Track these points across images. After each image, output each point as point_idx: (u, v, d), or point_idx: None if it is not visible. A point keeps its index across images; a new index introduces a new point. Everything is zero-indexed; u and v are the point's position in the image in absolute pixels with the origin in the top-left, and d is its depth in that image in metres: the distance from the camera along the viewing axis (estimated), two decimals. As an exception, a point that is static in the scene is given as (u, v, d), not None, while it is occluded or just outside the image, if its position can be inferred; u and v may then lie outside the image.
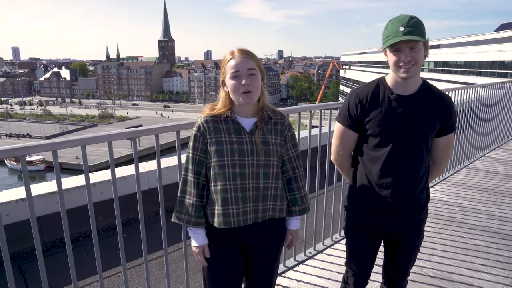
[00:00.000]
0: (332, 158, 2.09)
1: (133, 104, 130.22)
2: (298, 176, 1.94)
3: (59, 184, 1.91)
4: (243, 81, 1.70)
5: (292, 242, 2.04)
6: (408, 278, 2.99)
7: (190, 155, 1.80)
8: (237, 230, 1.81)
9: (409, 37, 1.64)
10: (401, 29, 1.65)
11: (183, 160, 1.92)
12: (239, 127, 1.77)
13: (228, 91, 1.77)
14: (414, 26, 1.66)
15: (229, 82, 1.74)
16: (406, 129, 1.79)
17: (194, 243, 1.88)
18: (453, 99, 5.22)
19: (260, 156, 1.76)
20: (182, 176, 1.84)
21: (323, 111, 3.39)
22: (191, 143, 1.81)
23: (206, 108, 1.84)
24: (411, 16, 1.70)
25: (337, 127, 1.99)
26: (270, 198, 1.83)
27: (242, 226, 1.79)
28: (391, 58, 1.74)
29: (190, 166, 1.81)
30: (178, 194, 1.85)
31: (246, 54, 1.75)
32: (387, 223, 1.92)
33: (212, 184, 1.78)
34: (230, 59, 1.75)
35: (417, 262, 3.28)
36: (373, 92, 1.86)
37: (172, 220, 1.87)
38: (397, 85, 1.82)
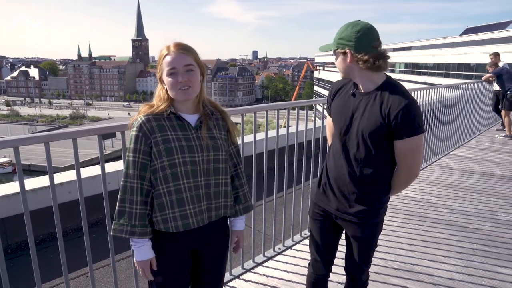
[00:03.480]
0: None
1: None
2: (240, 173, 1.91)
3: (21, 183, 1.87)
4: (180, 78, 1.62)
5: (239, 245, 1.98)
6: (373, 271, 3.13)
7: (131, 158, 1.64)
8: (188, 234, 1.72)
9: (322, 46, 1.94)
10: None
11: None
12: (184, 123, 1.69)
13: (165, 88, 1.69)
14: (335, 35, 1.86)
15: (166, 79, 1.65)
16: (351, 124, 1.89)
17: (139, 257, 1.70)
18: (418, 100, 5.45)
19: (210, 152, 1.71)
20: (122, 183, 1.65)
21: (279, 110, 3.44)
22: (131, 145, 1.64)
23: (144, 107, 1.71)
24: (343, 25, 1.84)
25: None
26: (221, 194, 1.79)
27: (191, 229, 1.71)
28: None
29: (131, 171, 1.64)
30: (118, 204, 1.65)
31: (182, 50, 1.65)
32: (330, 204, 2.06)
33: (162, 186, 1.66)
34: (166, 55, 1.65)
35: (382, 256, 3.43)
36: (344, 84, 2.00)
37: (112, 233, 1.67)
38: (361, 82, 1.88)
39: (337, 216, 2.05)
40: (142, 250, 1.69)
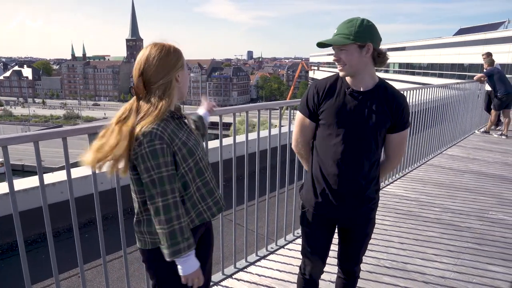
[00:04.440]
0: (292, 146, 2.18)
1: (94, 104, 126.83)
2: None
3: (10, 183, 1.85)
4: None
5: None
6: (366, 270, 3.15)
7: (164, 173, 1.53)
8: (200, 228, 1.76)
9: (328, 40, 1.84)
10: (335, 31, 1.83)
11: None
12: (181, 122, 1.70)
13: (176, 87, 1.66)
14: (341, 29, 1.82)
15: (185, 75, 1.69)
16: (356, 123, 1.89)
17: (192, 268, 1.62)
18: (411, 99, 5.49)
19: (200, 143, 1.78)
20: (161, 203, 1.53)
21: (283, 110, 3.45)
22: (160, 160, 1.51)
23: (148, 115, 1.55)
24: (349, 20, 1.82)
25: (297, 116, 2.09)
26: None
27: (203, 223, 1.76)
28: None
29: (169, 186, 1.54)
30: (165, 226, 1.53)
31: None
32: (336, 210, 2.01)
33: (192, 186, 1.67)
34: (181, 54, 1.67)
35: (374, 254, 3.44)
36: (331, 84, 1.96)
37: (169, 259, 1.57)
38: (353, 81, 1.91)
39: (344, 219, 2.05)
40: (191, 259, 1.63)
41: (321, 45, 1.89)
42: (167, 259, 1.58)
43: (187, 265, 1.61)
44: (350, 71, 1.86)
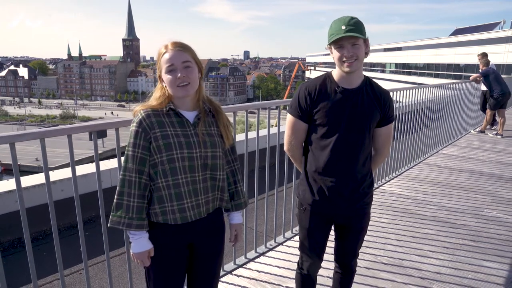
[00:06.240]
0: (285, 148, 2.20)
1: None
2: (234, 170, 1.96)
3: (17, 180, 1.89)
4: (179, 74, 1.67)
5: (238, 237, 2.04)
6: (363, 266, 3.20)
7: (130, 152, 1.68)
8: (184, 226, 1.76)
9: (350, 33, 1.81)
10: (343, 27, 1.83)
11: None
12: (183, 120, 1.74)
13: (165, 86, 1.73)
14: (354, 25, 1.83)
15: (166, 77, 1.70)
16: (350, 119, 1.95)
17: (137, 249, 1.74)
18: (408, 99, 5.56)
19: (207, 148, 1.76)
20: (120, 176, 1.70)
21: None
22: (131, 140, 1.69)
23: (142, 105, 1.76)
24: (352, 17, 1.87)
25: (288, 118, 2.12)
26: (218, 188, 1.85)
27: (189, 222, 1.75)
28: (335, 54, 1.91)
29: (130, 165, 1.68)
30: (116, 196, 1.70)
31: (179, 47, 1.70)
32: (334, 207, 2.06)
33: (161, 180, 1.70)
34: (164, 53, 1.70)
35: (371, 251, 3.50)
36: (320, 85, 2.01)
37: (109, 225, 1.72)
38: (342, 80, 1.99)
39: (341, 215, 2.11)
40: (140, 242, 1.74)
41: (337, 40, 1.85)
42: (108, 225, 1.74)
43: (135, 244, 1.75)
44: (358, 65, 1.91)
